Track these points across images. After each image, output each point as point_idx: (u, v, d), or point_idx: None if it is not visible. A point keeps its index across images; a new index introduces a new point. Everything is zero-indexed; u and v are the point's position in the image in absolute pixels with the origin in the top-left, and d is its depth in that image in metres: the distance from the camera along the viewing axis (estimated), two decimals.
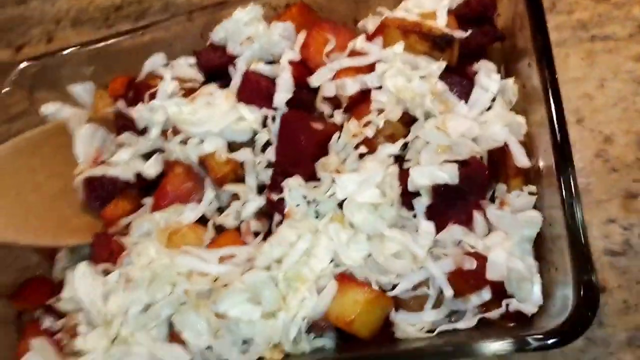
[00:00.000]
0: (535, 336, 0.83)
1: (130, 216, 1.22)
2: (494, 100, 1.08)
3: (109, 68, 1.39)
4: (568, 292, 0.84)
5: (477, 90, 1.09)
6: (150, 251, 1.10)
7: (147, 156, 1.26)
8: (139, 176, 1.25)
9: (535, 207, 0.98)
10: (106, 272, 1.16)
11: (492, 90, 1.07)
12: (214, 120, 1.17)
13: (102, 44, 1.36)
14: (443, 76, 1.09)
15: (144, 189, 1.26)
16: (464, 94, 1.10)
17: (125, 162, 1.25)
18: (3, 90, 1.38)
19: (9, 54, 1.81)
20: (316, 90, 1.18)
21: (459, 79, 1.11)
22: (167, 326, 1.07)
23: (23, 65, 1.41)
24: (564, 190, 0.88)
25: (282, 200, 1.10)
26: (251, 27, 1.23)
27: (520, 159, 1.00)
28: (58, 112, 1.39)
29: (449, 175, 0.99)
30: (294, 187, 1.08)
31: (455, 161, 1.00)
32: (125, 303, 1.08)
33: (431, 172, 1.00)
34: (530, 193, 0.98)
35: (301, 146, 1.10)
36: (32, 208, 1.23)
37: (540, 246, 0.97)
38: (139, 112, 1.24)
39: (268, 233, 1.13)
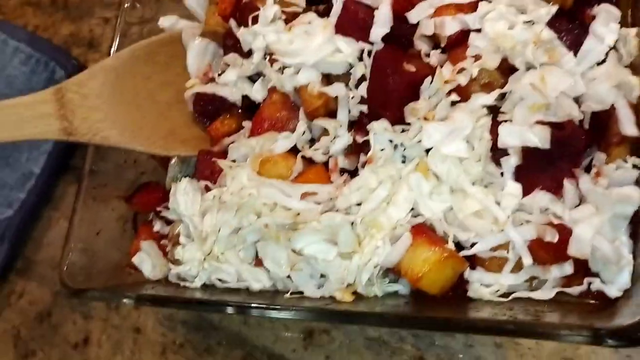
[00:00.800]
0: (612, 333, 0.78)
1: (232, 136, 1.28)
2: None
3: None
4: None
5: (590, 41, 0.98)
6: (243, 178, 1.15)
7: (251, 78, 1.29)
8: (244, 98, 1.29)
9: (637, 182, 0.91)
10: (207, 189, 1.24)
11: (607, 41, 0.96)
12: (309, 51, 1.15)
13: None
14: (552, 21, 1.00)
15: (246, 111, 1.30)
16: (575, 43, 1.00)
17: (233, 82, 1.28)
18: None
19: None
20: (417, 25, 1.12)
21: (570, 26, 1.00)
22: (254, 250, 1.15)
23: None
24: None
25: (367, 142, 1.09)
26: None
27: (627, 125, 0.91)
28: (173, 25, 1.44)
29: (539, 138, 0.93)
30: (379, 131, 1.07)
31: (550, 123, 0.94)
32: (217, 223, 1.16)
33: (521, 132, 0.95)
34: (635, 166, 0.90)
35: (390, 88, 1.07)
36: (146, 115, 1.31)
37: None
38: (242, 36, 1.25)
39: (356, 171, 1.14)
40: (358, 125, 1.12)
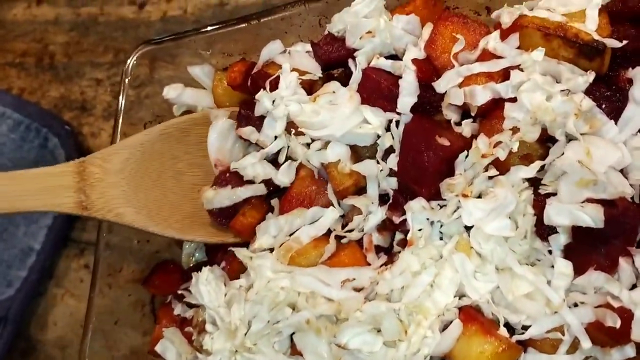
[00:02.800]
0: None
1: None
2: None
3: (225, 52, 1.35)
4: None
5: (631, 107, 0.95)
6: (266, 271, 1.10)
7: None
8: (266, 182, 1.21)
9: None
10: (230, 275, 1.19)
11: None
12: (336, 123, 1.10)
13: (220, 30, 1.31)
14: (589, 88, 0.96)
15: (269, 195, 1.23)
16: (614, 110, 0.97)
17: (254, 168, 1.20)
18: (129, 63, 1.39)
19: (133, 10, 1.79)
20: (444, 93, 1.08)
21: (609, 92, 0.97)
22: (289, 341, 1.09)
23: (142, 49, 1.40)
24: None
25: (404, 220, 1.05)
26: (372, 19, 1.13)
27: None
28: (180, 96, 1.39)
29: (592, 218, 0.89)
30: (417, 210, 1.02)
31: (601, 200, 0.90)
32: (247, 316, 1.10)
33: (571, 211, 0.91)
34: None
35: (425, 163, 1.03)
36: (169, 194, 1.25)
37: None
38: (260, 98, 1.18)
39: (391, 247, 1.10)
40: (392, 203, 1.07)
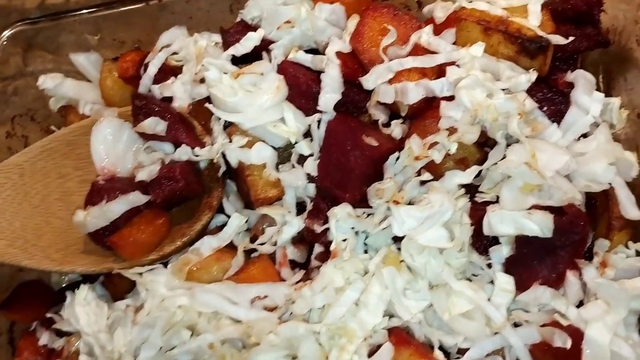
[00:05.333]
0: None
1: None
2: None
3: (117, 39, 1.17)
4: None
5: (573, 111, 0.89)
6: (159, 288, 0.92)
7: None
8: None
9: None
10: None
11: (593, 113, 0.87)
12: (250, 112, 0.96)
13: (111, 10, 1.13)
14: (530, 89, 0.89)
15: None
16: (556, 113, 0.90)
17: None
18: None
19: None
20: (370, 92, 0.97)
21: (551, 94, 0.90)
22: None
23: (17, 27, 1.18)
24: None
25: (325, 230, 0.92)
26: (291, 7, 1.01)
27: (629, 208, 0.82)
28: (59, 87, 1.19)
29: (540, 226, 0.80)
30: (342, 218, 0.89)
31: (547, 207, 0.81)
32: (134, 341, 0.91)
33: (516, 219, 0.81)
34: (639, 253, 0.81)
35: (351, 166, 0.91)
36: (53, 221, 1.04)
37: None
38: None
39: (307, 262, 0.96)
40: (313, 210, 0.94)
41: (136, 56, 1.13)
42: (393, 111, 0.97)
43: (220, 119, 0.99)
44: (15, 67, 1.21)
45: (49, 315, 1.06)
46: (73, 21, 1.16)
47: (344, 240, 0.89)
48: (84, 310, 0.96)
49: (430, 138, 0.89)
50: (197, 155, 0.97)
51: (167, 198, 0.96)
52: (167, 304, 0.89)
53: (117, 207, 0.95)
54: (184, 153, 0.97)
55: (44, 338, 1.08)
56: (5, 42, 1.19)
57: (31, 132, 1.21)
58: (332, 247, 0.88)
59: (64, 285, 1.14)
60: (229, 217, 0.99)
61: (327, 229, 0.91)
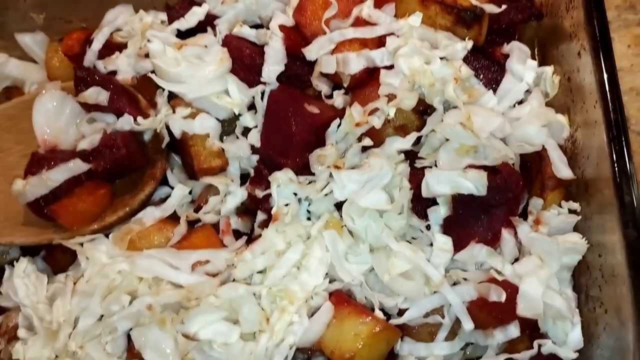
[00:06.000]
0: None
1: None
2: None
3: (64, 18, 1.17)
4: (626, 341, 0.68)
5: (508, 79, 0.92)
6: (100, 256, 0.91)
7: None
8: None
9: (575, 228, 0.83)
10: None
11: (527, 80, 0.90)
12: (194, 83, 0.96)
13: None
14: (467, 58, 0.92)
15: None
16: (492, 81, 0.93)
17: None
18: None
19: None
20: (312, 63, 0.98)
21: (487, 63, 0.93)
22: (126, 339, 0.90)
23: None
24: (626, 211, 0.72)
25: (267, 197, 0.92)
26: None
27: (561, 168, 0.84)
28: (3, 67, 1.17)
29: (476, 185, 0.82)
30: (283, 183, 0.90)
31: (482, 167, 0.84)
32: (73, 311, 0.90)
33: (452, 179, 0.83)
34: (572, 211, 0.83)
35: (292, 132, 0.92)
36: None
37: (579, 275, 0.82)
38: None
39: (250, 232, 0.96)
40: (255, 177, 0.94)
41: (82, 34, 1.13)
42: (336, 83, 0.98)
43: (164, 90, 0.99)
44: None
45: None
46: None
47: (286, 205, 0.90)
48: (22, 282, 0.94)
49: (370, 105, 0.91)
50: (139, 125, 0.97)
51: (109, 167, 0.95)
52: (107, 271, 0.88)
53: (57, 175, 0.94)
54: (126, 122, 0.97)
55: None
56: None
57: None
58: (273, 211, 0.89)
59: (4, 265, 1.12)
60: (172, 189, 0.99)
61: (269, 196, 0.92)
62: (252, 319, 0.84)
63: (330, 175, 0.90)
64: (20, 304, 0.94)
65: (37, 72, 1.20)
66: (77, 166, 0.94)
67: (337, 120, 0.92)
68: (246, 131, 0.99)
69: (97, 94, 0.98)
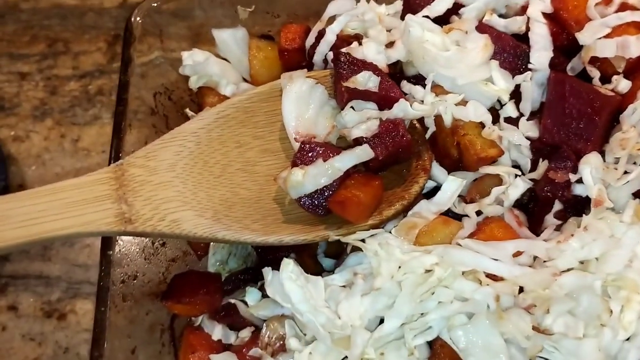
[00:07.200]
0: None
1: None
2: None
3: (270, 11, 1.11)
4: None
5: None
6: (395, 251, 0.83)
7: None
8: None
9: None
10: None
11: None
12: (462, 68, 0.91)
13: None
14: None
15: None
16: None
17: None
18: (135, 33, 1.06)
19: None
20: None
21: None
22: (428, 348, 0.82)
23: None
24: None
25: (567, 185, 0.87)
26: None
27: None
28: (203, 65, 1.10)
29: None
30: (596, 167, 0.85)
31: None
32: (367, 313, 0.81)
33: None
34: None
35: (593, 116, 0.87)
36: (239, 192, 0.93)
37: None
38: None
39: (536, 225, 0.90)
40: (558, 158, 0.88)
41: (299, 28, 1.07)
42: (603, 71, 0.95)
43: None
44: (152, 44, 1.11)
45: (232, 300, 0.95)
46: None
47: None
48: (294, 286, 0.85)
49: None
50: (415, 111, 0.90)
51: (390, 154, 0.88)
52: (413, 265, 0.80)
53: (342, 162, 0.86)
54: (401, 109, 0.90)
55: (217, 331, 0.96)
56: (140, 20, 1.08)
57: (170, 112, 1.10)
58: (595, 195, 0.83)
59: (224, 276, 1.02)
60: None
61: (570, 183, 0.86)
62: (590, 311, 0.77)
63: (635, 163, 0.85)
64: (293, 311, 0.85)
65: (233, 71, 1.13)
66: (364, 152, 0.86)
67: (634, 104, 0.88)
68: (509, 121, 0.94)
69: (367, 79, 0.91)
